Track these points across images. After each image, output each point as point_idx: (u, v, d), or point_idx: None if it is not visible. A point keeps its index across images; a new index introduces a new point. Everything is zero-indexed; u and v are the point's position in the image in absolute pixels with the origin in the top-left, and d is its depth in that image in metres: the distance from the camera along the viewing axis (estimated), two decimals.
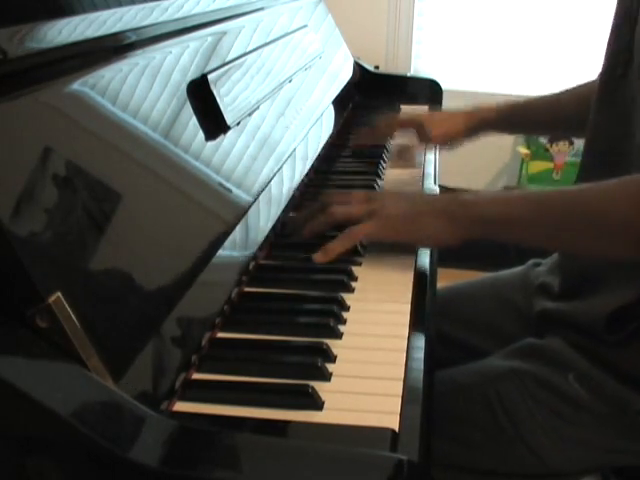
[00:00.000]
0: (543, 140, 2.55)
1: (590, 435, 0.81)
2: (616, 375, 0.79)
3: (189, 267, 0.62)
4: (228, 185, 0.74)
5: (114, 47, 0.66)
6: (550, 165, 2.55)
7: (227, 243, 0.69)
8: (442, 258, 0.89)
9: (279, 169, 0.88)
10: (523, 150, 2.57)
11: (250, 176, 0.80)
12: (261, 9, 1.06)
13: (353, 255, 0.81)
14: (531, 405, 0.82)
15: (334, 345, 0.63)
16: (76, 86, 0.58)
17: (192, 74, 0.75)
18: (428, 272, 0.81)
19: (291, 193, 0.91)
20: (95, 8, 0.64)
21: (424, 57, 2.67)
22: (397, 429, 0.52)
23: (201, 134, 0.73)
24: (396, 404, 0.56)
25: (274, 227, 0.84)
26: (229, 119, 0.77)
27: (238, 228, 0.72)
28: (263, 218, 0.81)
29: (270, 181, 0.84)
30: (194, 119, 0.72)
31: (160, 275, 0.58)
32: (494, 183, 2.76)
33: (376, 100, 1.51)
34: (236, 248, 0.72)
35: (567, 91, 1.11)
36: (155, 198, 0.63)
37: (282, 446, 0.48)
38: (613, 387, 0.79)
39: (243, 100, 0.82)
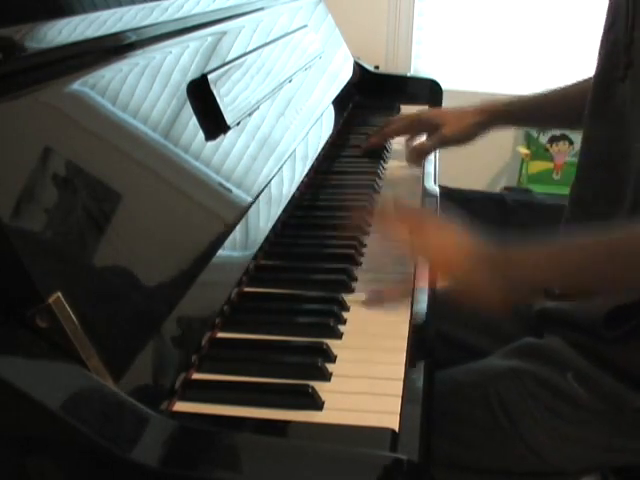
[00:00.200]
0: (543, 140, 2.55)
1: (589, 433, 0.81)
2: (614, 373, 0.79)
3: (189, 267, 0.62)
4: (228, 185, 0.74)
5: (114, 47, 0.66)
6: (550, 165, 2.55)
7: (227, 243, 0.69)
8: None
9: (279, 169, 0.88)
10: (523, 150, 2.57)
11: (250, 176, 0.80)
12: (261, 9, 1.06)
13: (352, 258, 0.81)
14: (530, 404, 0.82)
15: (334, 345, 0.63)
16: (76, 86, 0.58)
17: (192, 74, 0.75)
18: (428, 272, 0.81)
19: (291, 193, 0.91)
20: (95, 8, 0.64)
21: (424, 57, 2.66)
22: (397, 429, 0.52)
23: (201, 134, 0.73)
24: (396, 404, 0.56)
25: (274, 227, 0.84)
26: (229, 119, 0.77)
27: (238, 228, 0.72)
28: (263, 218, 0.81)
29: (270, 181, 0.84)
30: (194, 119, 0.72)
31: (160, 275, 0.58)
32: (494, 183, 2.76)
33: (376, 100, 1.51)
34: (236, 248, 0.72)
35: (574, 85, 1.11)
36: (155, 198, 0.63)
37: (282, 446, 0.48)
38: (611, 385, 0.79)
39: (243, 100, 0.82)
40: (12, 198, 0.48)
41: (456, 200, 1.28)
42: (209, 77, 0.76)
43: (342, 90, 1.31)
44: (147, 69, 0.68)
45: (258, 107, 0.87)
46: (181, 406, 0.56)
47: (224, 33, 0.87)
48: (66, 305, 0.47)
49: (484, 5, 2.57)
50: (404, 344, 0.65)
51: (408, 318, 0.70)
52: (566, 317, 0.86)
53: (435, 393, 0.64)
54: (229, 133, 0.78)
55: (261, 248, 0.79)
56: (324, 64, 1.27)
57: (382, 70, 1.86)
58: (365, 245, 0.86)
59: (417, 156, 1.15)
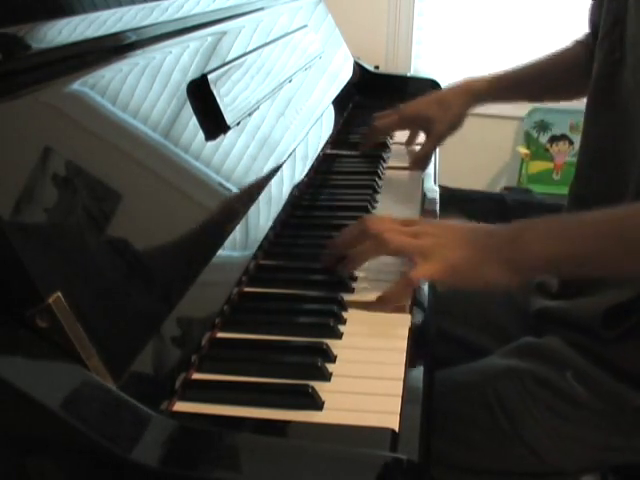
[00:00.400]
0: (543, 140, 2.55)
1: (588, 432, 0.81)
2: (613, 372, 0.79)
3: (189, 267, 0.62)
4: (228, 185, 0.74)
5: (114, 47, 0.66)
6: (550, 165, 2.55)
7: (227, 243, 0.69)
8: None
9: (279, 169, 0.88)
10: (523, 150, 2.57)
11: (250, 176, 0.80)
12: (261, 9, 1.06)
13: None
14: (529, 403, 0.82)
15: (334, 345, 0.63)
16: (76, 86, 0.58)
17: (192, 74, 0.75)
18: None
19: (291, 193, 0.91)
20: (95, 8, 0.64)
21: (424, 57, 2.67)
22: (397, 429, 0.52)
23: (201, 134, 0.73)
24: (396, 404, 0.56)
25: (274, 227, 0.84)
26: (229, 119, 0.77)
27: (238, 228, 0.72)
28: (263, 218, 0.81)
29: (270, 181, 0.84)
30: (194, 119, 0.72)
31: (160, 275, 0.58)
32: (494, 183, 2.76)
33: (376, 100, 1.51)
34: (236, 248, 0.72)
35: (550, 57, 1.13)
36: (155, 198, 0.63)
37: (282, 446, 0.48)
38: (611, 384, 0.79)
39: (243, 100, 0.82)
40: (12, 198, 0.48)
41: (456, 200, 1.28)
42: (209, 77, 0.76)
43: (342, 90, 1.32)
44: (147, 69, 0.68)
45: (258, 107, 0.87)
46: (181, 406, 0.56)
47: (224, 33, 0.87)
48: (66, 305, 0.47)
49: (484, 5, 2.57)
50: (404, 344, 0.65)
51: (408, 318, 0.70)
52: (565, 316, 0.86)
53: (435, 393, 0.64)
54: (229, 133, 0.78)
55: (261, 248, 0.79)
56: (324, 64, 1.27)
57: (382, 70, 1.86)
58: None
59: (422, 162, 1.16)
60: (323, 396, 0.56)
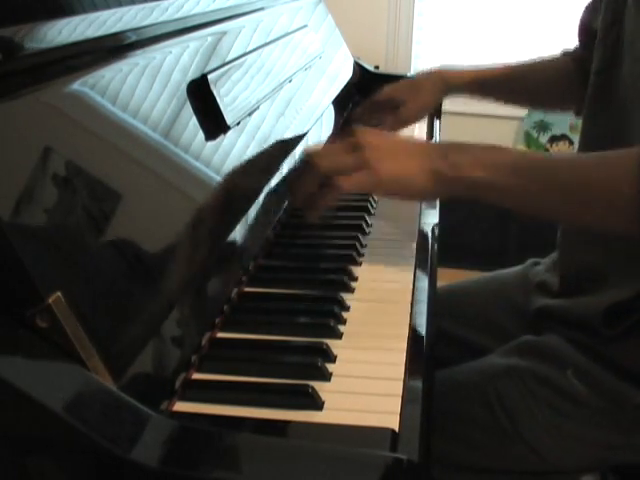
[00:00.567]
0: (543, 140, 2.55)
1: (589, 431, 0.81)
2: (614, 370, 0.79)
3: (189, 267, 0.62)
4: (228, 185, 0.74)
5: (114, 47, 0.66)
6: None
7: (227, 243, 0.69)
8: (442, 258, 0.89)
9: (279, 169, 0.88)
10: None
11: (250, 176, 0.80)
12: (261, 9, 1.06)
13: (352, 258, 0.81)
14: (530, 402, 0.82)
15: (334, 345, 0.63)
16: (76, 86, 0.58)
17: (192, 74, 0.75)
18: (428, 272, 0.81)
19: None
20: (95, 8, 0.64)
21: (424, 57, 2.66)
22: (397, 429, 0.52)
23: (201, 134, 0.73)
24: (396, 404, 0.56)
25: (274, 227, 0.84)
26: (229, 119, 0.77)
27: (238, 228, 0.72)
28: (263, 218, 0.81)
29: (270, 181, 0.84)
30: (194, 119, 0.72)
31: (160, 275, 0.59)
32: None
33: None
34: (236, 248, 0.72)
35: (534, 64, 1.13)
36: (155, 198, 0.63)
37: (282, 446, 0.48)
38: (611, 382, 0.79)
39: (243, 100, 0.82)
40: (12, 198, 0.48)
41: (456, 200, 1.28)
42: (209, 77, 0.76)
43: (342, 90, 1.31)
44: (147, 69, 0.68)
45: (258, 107, 0.87)
46: (181, 406, 0.56)
47: (224, 33, 0.87)
48: (66, 305, 0.47)
49: (484, 5, 2.57)
50: (404, 344, 0.65)
51: (408, 318, 0.70)
52: (565, 314, 0.86)
53: (435, 392, 0.64)
54: (229, 133, 0.78)
55: (261, 248, 0.79)
56: (324, 64, 1.27)
57: (382, 70, 1.86)
58: (365, 245, 0.86)
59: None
60: (323, 396, 0.56)
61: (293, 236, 0.89)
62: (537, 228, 1.92)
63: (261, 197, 0.80)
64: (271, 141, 0.89)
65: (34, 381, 0.44)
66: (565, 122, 2.56)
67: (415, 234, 0.90)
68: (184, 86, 0.73)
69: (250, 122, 0.85)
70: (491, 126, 2.58)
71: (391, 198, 0.79)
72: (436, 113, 1.34)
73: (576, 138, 2.48)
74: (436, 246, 0.89)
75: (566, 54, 1.10)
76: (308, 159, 0.78)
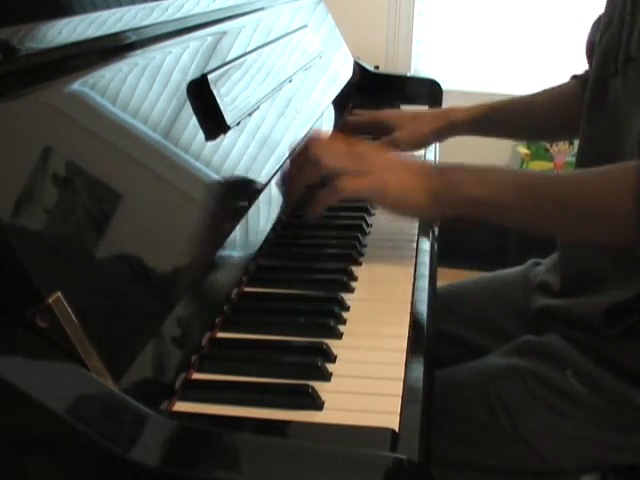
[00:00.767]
0: None
1: (589, 431, 0.81)
2: (614, 370, 0.79)
3: (189, 267, 0.62)
4: (228, 185, 0.74)
5: (114, 47, 0.66)
6: (550, 165, 2.55)
7: (227, 243, 0.69)
8: (442, 258, 0.89)
9: (279, 169, 0.88)
10: (523, 150, 2.57)
11: (250, 176, 0.80)
12: (261, 9, 1.06)
13: (352, 258, 0.81)
14: (530, 402, 0.82)
15: (334, 345, 0.63)
16: (76, 86, 0.58)
17: (192, 74, 0.75)
18: (428, 272, 0.81)
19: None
20: (95, 8, 0.64)
21: (424, 57, 2.66)
22: (397, 429, 0.52)
23: (201, 134, 0.73)
24: (396, 404, 0.56)
25: (274, 227, 0.84)
26: (229, 119, 0.77)
27: (238, 228, 0.72)
28: (263, 218, 0.81)
29: (270, 181, 0.84)
30: (194, 119, 0.72)
31: (160, 275, 0.58)
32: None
33: (376, 100, 1.51)
34: (236, 248, 0.72)
35: (540, 93, 1.11)
36: (155, 198, 0.63)
37: (282, 446, 0.48)
38: (611, 382, 0.79)
39: (243, 100, 0.82)
40: (12, 198, 0.48)
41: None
42: (209, 77, 0.76)
43: (342, 90, 1.31)
44: (147, 69, 0.68)
45: (258, 107, 0.87)
46: (181, 406, 0.56)
47: (224, 33, 0.87)
48: (66, 305, 0.47)
49: (484, 5, 2.57)
50: (404, 344, 0.65)
51: (408, 318, 0.70)
52: (566, 315, 0.86)
53: (435, 392, 0.64)
54: (229, 133, 0.78)
55: (261, 248, 0.79)
56: (324, 64, 1.27)
57: (382, 70, 1.86)
58: (365, 245, 0.86)
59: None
60: (323, 396, 0.56)
61: (293, 236, 0.89)
62: None
63: (261, 197, 0.80)
64: (271, 141, 0.89)
65: (34, 381, 0.44)
66: None
67: (415, 234, 0.90)
68: (184, 86, 0.73)
69: (250, 122, 0.85)
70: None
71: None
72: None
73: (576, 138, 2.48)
74: (436, 246, 0.89)
75: (575, 77, 1.08)
76: (313, 152, 0.79)
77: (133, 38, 0.68)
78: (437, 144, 1.22)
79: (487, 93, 2.50)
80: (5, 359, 0.45)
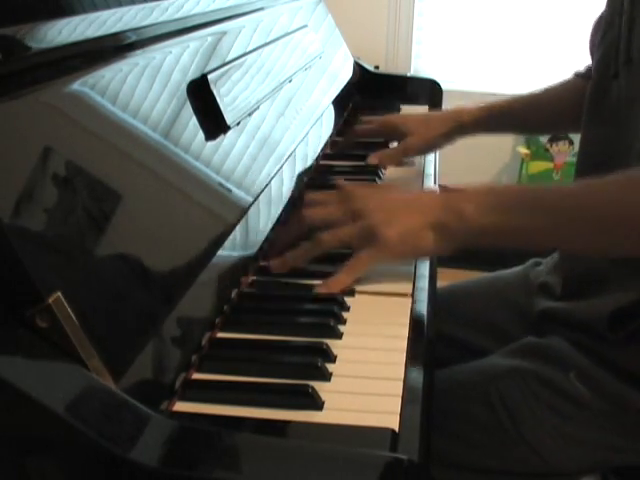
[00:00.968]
0: (543, 140, 2.55)
1: (591, 433, 0.81)
2: (617, 373, 0.79)
3: (189, 267, 0.62)
4: (228, 185, 0.74)
5: (114, 47, 0.66)
6: (550, 165, 2.55)
7: (227, 243, 0.69)
8: (442, 258, 0.88)
9: (279, 169, 0.88)
10: (523, 150, 2.57)
11: (250, 176, 0.80)
12: (261, 9, 1.06)
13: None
14: (532, 403, 0.82)
15: (334, 345, 0.63)
16: (76, 86, 0.58)
17: (192, 74, 0.75)
18: (428, 272, 0.81)
19: (291, 193, 0.91)
20: (95, 8, 0.64)
21: (424, 57, 2.66)
22: (397, 429, 0.52)
23: (201, 134, 0.73)
24: (396, 404, 0.56)
25: (274, 227, 0.84)
26: (229, 119, 0.77)
27: (238, 228, 0.72)
28: (263, 218, 0.81)
29: (270, 181, 0.84)
30: (194, 119, 0.72)
31: (160, 275, 0.58)
32: (494, 183, 2.76)
33: (376, 100, 1.51)
34: (236, 248, 0.72)
35: (546, 90, 1.11)
36: (155, 198, 0.63)
37: (282, 446, 0.48)
38: (614, 385, 0.79)
39: (243, 100, 0.82)
40: (12, 198, 0.48)
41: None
42: (209, 77, 0.76)
43: (342, 90, 1.31)
44: (147, 69, 0.68)
45: (258, 107, 0.87)
46: (181, 406, 0.56)
47: (224, 33, 0.87)
48: (66, 305, 0.47)
49: (484, 5, 2.57)
50: (404, 344, 0.65)
51: (408, 318, 0.70)
52: (568, 318, 0.86)
53: (436, 392, 0.64)
54: (229, 133, 0.78)
55: (261, 248, 0.79)
56: (324, 64, 1.27)
57: (382, 70, 1.86)
58: None
59: (383, 160, 1.12)
60: (323, 396, 0.56)
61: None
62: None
63: (261, 197, 0.80)
64: (271, 141, 0.89)
65: (34, 381, 0.44)
66: None
67: None
68: (184, 86, 0.73)
69: (250, 122, 0.85)
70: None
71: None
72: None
73: (576, 138, 2.48)
74: None
75: (578, 74, 1.08)
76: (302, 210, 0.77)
77: (133, 38, 0.69)
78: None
79: (487, 93, 2.50)
80: (5, 359, 0.45)
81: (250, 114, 0.84)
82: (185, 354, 0.59)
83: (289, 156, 0.93)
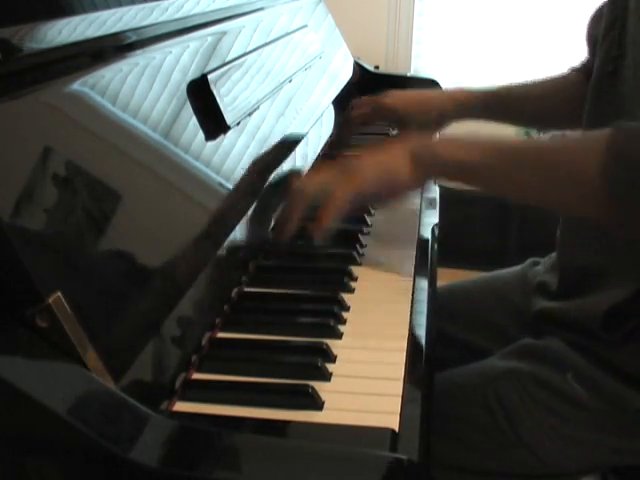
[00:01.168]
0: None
1: (589, 434, 0.81)
2: (614, 374, 0.79)
3: (189, 267, 0.62)
4: (228, 185, 0.74)
5: (114, 47, 0.66)
6: None
7: (227, 243, 0.69)
8: (442, 258, 0.89)
9: (279, 169, 0.88)
10: None
11: (250, 176, 0.80)
12: (261, 9, 1.06)
13: (352, 258, 0.81)
14: (530, 405, 0.82)
15: (334, 345, 0.63)
16: (76, 86, 0.58)
17: (192, 74, 0.75)
18: (428, 272, 0.81)
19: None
20: (95, 8, 0.64)
21: (424, 57, 2.66)
22: (397, 429, 0.52)
23: (201, 134, 0.73)
24: (396, 404, 0.56)
25: (274, 227, 0.84)
26: (229, 119, 0.77)
27: (238, 228, 0.72)
28: (263, 218, 0.81)
29: (270, 181, 0.84)
30: (194, 119, 0.72)
31: (160, 275, 0.58)
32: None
33: None
34: (236, 248, 0.72)
35: (542, 82, 1.11)
36: (155, 198, 0.63)
37: (282, 446, 0.48)
38: (611, 386, 0.79)
39: (243, 100, 0.82)
40: (12, 198, 0.48)
41: (456, 200, 1.27)
42: (209, 77, 0.76)
43: (342, 90, 1.31)
44: (147, 69, 0.68)
45: (258, 107, 0.87)
46: (181, 406, 0.56)
47: (224, 33, 0.87)
48: (66, 305, 0.47)
49: (484, 5, 2.57)
50: (404, 344, 0.65)
51: (408, 318, 0.70)
52: (565, 318, 0.86)
53: (435, 395, 0.64)
54: (229, 133, 0.78)
55: (261, 248, 0.79)
56: (324, 64, 1.27)
57: (382, 70, 1.86)
58: (365, 245, 0.86)
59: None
60: (323, 396, 0.56)
61: (293, 236, 0.89)
62: (537, 227, 1.92)
63: (261, 197, 0.80)
64: (271, 141, 0.89)
65: (34, 381, 0.44)
66: None
67: (415, 234, 0.90)
68: (184, 86, 0.73)
69: (250, 122, 0.85)
70: (491, 126, 2.58)
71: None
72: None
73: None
74: (436, 246, 0.89)
75: (574, 69, 1.08)
76: (295, 186, 0.82)
77: (133, 38, 0.69)
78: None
79: None
80: (5, 359, 0.45)
81: (250, 114, 0.84)
82: (185, 354, 0.59)
83: (289, 156, 0.93)
